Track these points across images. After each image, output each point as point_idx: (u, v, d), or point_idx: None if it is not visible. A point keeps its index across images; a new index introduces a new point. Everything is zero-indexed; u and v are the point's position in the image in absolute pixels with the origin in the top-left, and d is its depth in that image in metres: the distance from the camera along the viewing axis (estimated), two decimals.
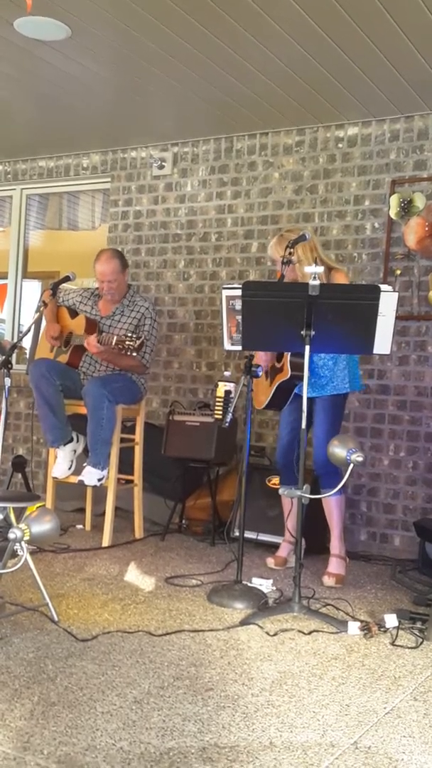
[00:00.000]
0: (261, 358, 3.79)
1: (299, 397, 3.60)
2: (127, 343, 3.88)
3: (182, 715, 2.10)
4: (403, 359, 4.53)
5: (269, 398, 3.76)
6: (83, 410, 4.15)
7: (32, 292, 6.26)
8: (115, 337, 3.94)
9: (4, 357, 3.38)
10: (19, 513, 2.95)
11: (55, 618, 2.81)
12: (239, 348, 3.58)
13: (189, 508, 4.72)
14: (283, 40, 3.70)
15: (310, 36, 3.64)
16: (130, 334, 3.94)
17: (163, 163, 5.35)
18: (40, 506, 2.87)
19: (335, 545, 3.77)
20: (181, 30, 3.69)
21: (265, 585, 3.40)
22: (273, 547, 4.10)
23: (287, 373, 3.62)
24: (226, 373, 4.79)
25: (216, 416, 3.77)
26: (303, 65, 3.97)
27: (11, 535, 2.63)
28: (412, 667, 2.61)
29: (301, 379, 3.25)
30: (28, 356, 4.92)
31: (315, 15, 3.46)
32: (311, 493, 3.11)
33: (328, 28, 3.57)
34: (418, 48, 3.70)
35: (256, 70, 4.07)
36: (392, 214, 4.54)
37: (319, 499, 3.66)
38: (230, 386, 3.73)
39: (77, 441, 4.29)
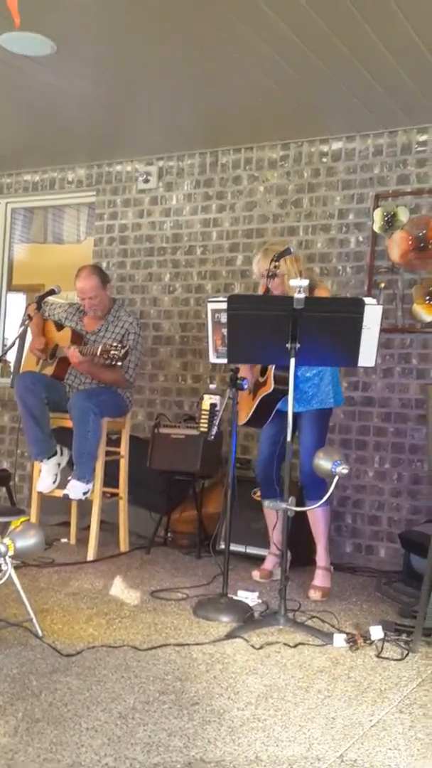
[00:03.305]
0: (246, 371, 3.79)
1: (281, 413, 3.60)
2: (112, 352, 3.87)
3: (168, 730, 2.09)
4: (387, 371, 4.55)
5: (251, 413, 3.74)
6: (68, 423, 4.14)
7: (17, 305, 6.25)
8: (100, 346, 3.93)
9: None
10: (4, 527, 2.93)
11: (40, 633, 2.79)
12: (225, 361, 3.59)
13: (174, 521, 4.71)
14: (268, 56, 3.74)
15: (294, 52, 3.68)
16: (114, 344, 3.92)
17: (149, 177, 5.37)
18: (24, 521, 2.85)
19: (321, 557, 3.77)
20: (166, 45, 3.72)
21: (250, 598, 3.39)
22: (259, 560, 4.09)
23: (270, 386, 3.62)
24: (212, 386, 4.81)
25: (201, 429, 3.77)
26: (287, 81, 4.01)
27: None
28: (397, 679, 2.61)
29: (284, 393, 3.25)
30: (12, 369, 4.90)
31: (299, 32, 3.49)
32: (296, 506, 3.11)
33: (312, 44, 3.60)
34: (401, 64, 3.75)
35: (240, 85, 4.11)
36: (376, 227, 4.58)
37: (304, 512, 3.67)
38: (215, 399, 3.73)
39: (61, 454, 4.27)
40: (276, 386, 3.59)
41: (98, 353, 3.91)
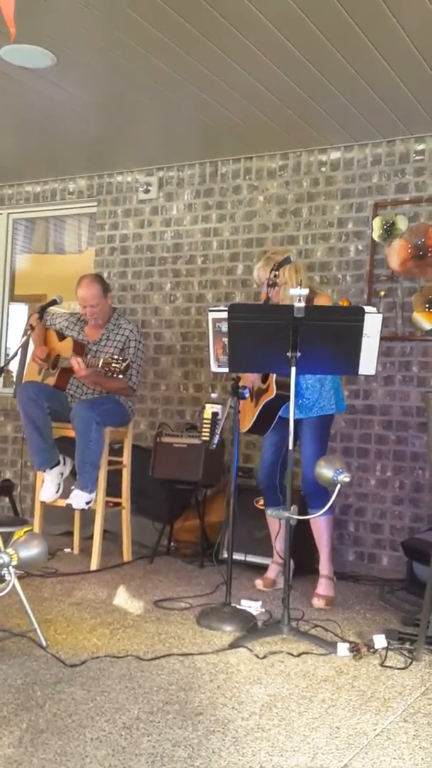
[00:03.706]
0: (247, 379, 3.80)
1: (283, 420, 3.62)
2: (113, 365, 3.90)
3: (172, 740, 2.09)
4: (388, 379, 4.57)
5: (254, 419, 3.75)
6: (71, 433, 4.15)
7: (19, 315, 6.27)
8: (101, 359, 3.96)
9: None
10: (7, 538, 2.94)
11: (44, 643, 2.80)
12: (226, 370, 3.60)
13: (177, 530, 4.71)
14: (267, 67, 3.77)
15: (293, 63, 3.71)
16: (116, 357, 3.95)
17: (149, 188, 5.40)
18: (27, 530, 2.86)
19: (324, 566, 3.77)
20: (166, 56, 3.75)
21: (254, 607, 3.39)
22: (262, 569, 4.09)
23: (272, 392, 3.63)
24: (213, 395, 4.82)
25: (203, 438, 3.78)
26: (286, 91, 4.03)
27: None
28: (401, 688, 2.61)
29: (286, 398, 3.26)
30: (15, 380, 4.91)
31: (298, 42, 3.52)
32: (298, 515, 3.12)
33: (310, 55, 3.63)
34: (398, 74, 3.77)
35: (240, 96, 4.14)
36: (375, 236, 4.60)
37: (307, 521, 3.67)
38: (217, 408, 3.74)
39: (64, 464, 4.28)
40: (278, 392, 3.60)
41: (100, 365, 3.94)
